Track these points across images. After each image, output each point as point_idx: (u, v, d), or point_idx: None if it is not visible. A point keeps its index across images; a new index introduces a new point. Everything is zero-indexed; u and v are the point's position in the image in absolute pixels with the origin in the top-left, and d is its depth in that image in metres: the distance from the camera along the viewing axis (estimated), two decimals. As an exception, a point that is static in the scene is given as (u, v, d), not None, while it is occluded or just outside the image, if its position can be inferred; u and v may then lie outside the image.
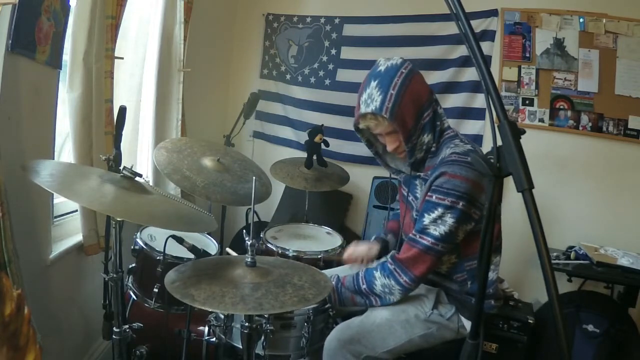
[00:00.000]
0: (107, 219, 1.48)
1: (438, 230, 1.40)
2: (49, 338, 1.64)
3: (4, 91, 1.38)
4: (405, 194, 1.62)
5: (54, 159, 1.77)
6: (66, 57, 1.68)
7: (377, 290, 1.51)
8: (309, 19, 3.32)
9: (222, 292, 1.06)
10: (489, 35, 2.83)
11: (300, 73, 3.36)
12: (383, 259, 1.56)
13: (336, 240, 2.24)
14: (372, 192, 3.04)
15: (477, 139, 2.87)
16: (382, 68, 1.45)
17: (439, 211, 1.39)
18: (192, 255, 1.59)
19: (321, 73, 3.29)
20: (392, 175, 1.73)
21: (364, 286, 1.53)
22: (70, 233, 1.94)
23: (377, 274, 1.51)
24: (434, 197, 1.40)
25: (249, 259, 1.19)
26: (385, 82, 1.41)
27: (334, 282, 1.57)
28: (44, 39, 1.50)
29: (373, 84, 1.43)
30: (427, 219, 1.41)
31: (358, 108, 1.48)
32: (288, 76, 3.41)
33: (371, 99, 1.42)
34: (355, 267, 1.79)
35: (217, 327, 1.50)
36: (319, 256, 2.02)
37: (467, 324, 1.55)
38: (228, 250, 1.78)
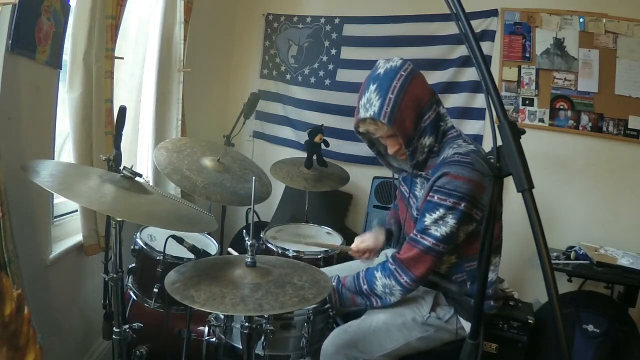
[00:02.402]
0: (107, 219, 1.48)
1: (439, 230, 1.39)
2: (49, 338, 1.64)
3: (4, 91, 1.38)
4: (405, 192, 1.62)
5: (54, 159, 1.77)
6: (66, 57, 1.68)
7: (377, 290, 1.51)
8: (309, 19, 3.32)
9: (222, 293, 1.06)
10: (489, 35, 2.83)
11: (300, 73, 3.36)
12: (384, 259, 1.55)
13: (336, 240, 2.24)
14: (372, 192, 3.04)
15: (477, 139, 2.86)
16: (381, 71, 1.43)
17: (440, 212, 1.38)
18: (192, 255, 1.59)
19: (321, 73, 3.29)
20: (395, 175, 1.72)
21: (365, 286, 1.52)
22: (70, 233, 1.94)
23: (378, 274, 1.50)
24: (435, 197, 1.39)
25: (249, 259, 1.19)
26: (384, 85, 1.39)
27: (334, 283, 1.57)
28: (44, 39, 1.49)
29: (372, 87, 1.41)
30: (428, 219, 1.41)
31: (357, 112, 1.47)
32: (288, 76, 3.40)
33: (370, 103, 1.41)
34: (358, 263, 1.79)
35: (217, 327, 1.50)
36: (319, 256, 2.02)
37: (466, 326, 1.55)
38: (230, 250, 1.78)
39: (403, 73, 1.40)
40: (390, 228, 1.83)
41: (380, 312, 1.54)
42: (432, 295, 1.59)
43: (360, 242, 1.78)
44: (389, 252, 1.88)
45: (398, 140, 1.46)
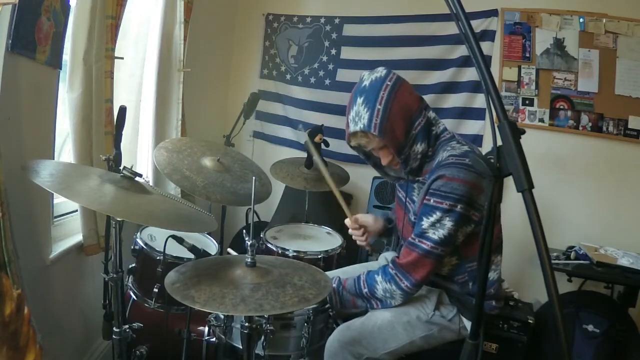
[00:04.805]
0: (107, 219, 1.48)
1: (437, 233, 1.39)
2: (49, 338, 1.64)
3: (4, 91, 1.38)
4: (402, 197, 1.61)
5: (54, 159, 1.77)
6: (66, 57, 1.68)
7: (378, 294, 1.51)
8: (309, 19, 3.32)
9: (222, 293, 1.06)
10: (489, 35, 2.83)
11: (300, 73, 3.36)
12: (384, 262, 1.55)
13: (336, 240, 2.24)
14: (372, 192, 3.04)
15: (477, 139, 2.87)
16: (366, 83, 1.42)
17: (437, 215, 1.38)
18: (192, 255, 1.59)
19: (321, 73, 3.29)
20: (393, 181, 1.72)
21: (366, 290, 1.52)
22: (70, 233, 1.94)
23: (379, 278, 1.50)
24: (432, 200, 1.39)
25: (249, 259, 1.19)
26: (371, 97, 1.38)
27: (335, 285, 1.57)
28: (44, 39, 1.49)
29: (359, 100, 1.40)
30: (425, 223, 1.40)
31: (347, 126, 1.46)
32: (288, 76, 3.41)
33: (359, 116, 1.40)
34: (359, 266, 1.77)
35: (217, 327, 1.50)
36: (319, 256, 2.02)
37: (469, 325, 1.55)
38: (229, 250, 1.78)
39: (389, 83, 1.40)
40: (391, 217, 1.83)
41: (385, 310, 1.54)
42: (435, 294, 1.59)
43: (360, 215, 1.78)
44: (389, 255, 1.88)
45: (390, 151, 1.45)
